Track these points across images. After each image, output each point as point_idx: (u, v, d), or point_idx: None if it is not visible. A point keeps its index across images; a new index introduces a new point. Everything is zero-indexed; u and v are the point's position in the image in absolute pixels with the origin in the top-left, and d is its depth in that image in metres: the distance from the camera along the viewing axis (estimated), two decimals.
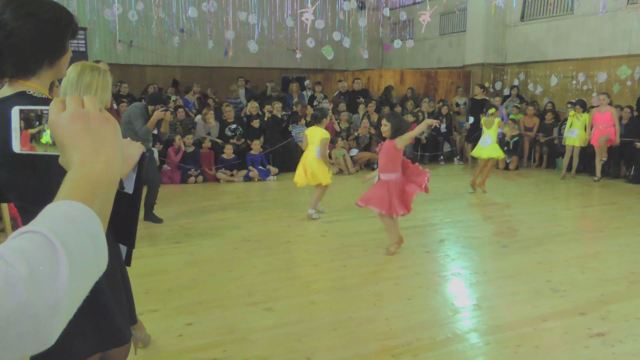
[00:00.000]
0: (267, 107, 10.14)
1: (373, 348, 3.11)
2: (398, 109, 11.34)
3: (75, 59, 1.75)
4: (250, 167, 9.06)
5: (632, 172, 9.11)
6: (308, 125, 10.02)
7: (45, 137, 0.81)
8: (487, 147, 7.90)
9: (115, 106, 9.23)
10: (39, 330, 0.58)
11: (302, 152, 8.77)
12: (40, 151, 0.82)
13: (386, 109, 11.07)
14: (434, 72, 13.30)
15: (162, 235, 5.54)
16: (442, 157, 11.30)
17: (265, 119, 9.93)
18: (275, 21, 12.35)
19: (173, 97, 10.83)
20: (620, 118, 9.15)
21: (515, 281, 4.24)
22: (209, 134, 9.59)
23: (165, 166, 8.60)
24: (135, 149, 1.62)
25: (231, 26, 11.11)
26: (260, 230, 5.77)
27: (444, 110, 11.31)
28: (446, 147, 11.45)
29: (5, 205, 4.34)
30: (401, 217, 4.80)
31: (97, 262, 0.68)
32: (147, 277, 4.19)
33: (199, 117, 10.07)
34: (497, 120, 7.99)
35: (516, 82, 12.29)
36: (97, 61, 5.94)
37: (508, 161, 10.36)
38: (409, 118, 10.57)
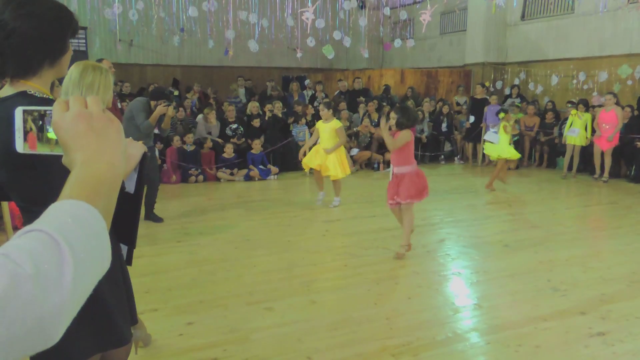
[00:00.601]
0: (268, 107, 10.14)
1: (373, 348, 3.11)
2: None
3: (75, 58, 1.75)
4: (251, 167, 9.06)
5: (632, 172, 9.11)
6: (308, 125, 10.05)
7: (49, 137, 0.82)
8: (499, 146, 8.00)
9: (119, 105, 9.23)
10: (43, 328, 0.58)
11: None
12: (43, 151, 0.82)
13: (386, 109, 11.06)
14: (434, 72, 13.30)
15: (163, 235, 5.54)
16: (442, 156, 11.30)
17: (267, 118, 9.93)
18: (276, 20, 12.35)
19: (176, 92, 10.81)
20: (622, 117, 9.13)
21: (516, 280, 4.25)
22: (209, 133, 9.59)
23: (164, 166, 8.60)
24: (136, 149, 1.62)
25: (231, 25, 11.11)
26: (261, 230, 5.77)
27: (445, 109, 11.31)
28: (447, 147, 11.45)
29: (5, 205, 4.35)
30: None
31: (101, 261, 0.68)
32: (148, 276, 4.20)
33: (200, 116, 10.07)
34: (502, 123, 8.03)
35: (517, 82, 12.29)
36: (100, 60, 5.94)
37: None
38: None
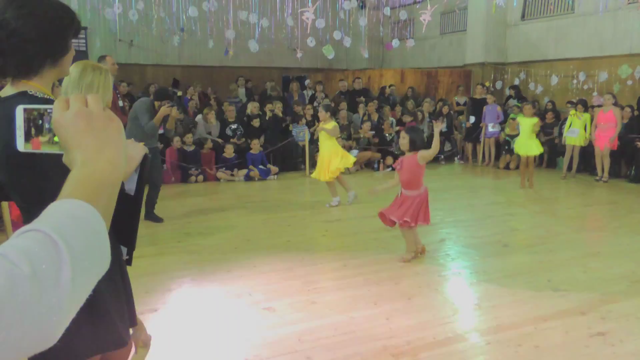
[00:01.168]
0: (269, 106, 10.14)
1: (373, 347, 3.11)
2: (398, 108, 11.33)
3: (75, 58, 1.75)
4: (251, 167, 9.06)
5: (632, 172, 9.10)
6: (308, 125, 10.04)
7: (49, 136, 0.82)
8: (521, 145, 8.21)
9: (121, 104, 9.22)
10: (41, 329, 0.58)
11: (302, 151, 8.82)
12: (44, 150, 0.82)
13: (386, 109, 11.07)
14: (434, 72, 13.29)
15: (163, 235, 5.54)
16: (442, 156, 11.30)
17: (267, 117, 9.93)
18: (276, 20, 12.34)
19: (179, 93, 10.79)
20: (621, 117, 9.13)
21: (516, 281, 4.24)
22: (209, 133, 9.59)
23: (164, 166, 8.60)
24: (137, 150, 1.62)
25: (232, 25, 11.11)
26: (261, 230, 5.77)
27: (445, 109, 11.31)
28: (447, 147, 11.45)
29: (5, 205, 4.35)
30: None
31: (100, 261, 0.68)
32: (148, 276, 4.20)
33: (199, 116, 10.07)
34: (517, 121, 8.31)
35: (517, 82, 12.29)
36: (104, 56, 5.92)
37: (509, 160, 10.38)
38: (406, 118, 10.59)
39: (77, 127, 0.76)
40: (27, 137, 0.82)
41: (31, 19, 1.44)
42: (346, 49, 13.70)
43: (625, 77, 9.97)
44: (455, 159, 11.38)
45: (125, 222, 1.75)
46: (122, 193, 1.64)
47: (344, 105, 11.04)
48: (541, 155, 10.69)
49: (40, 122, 0.81)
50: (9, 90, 1.55)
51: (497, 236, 5.58)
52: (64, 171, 0.77)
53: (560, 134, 9.87)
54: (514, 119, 10.74)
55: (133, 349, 2.17)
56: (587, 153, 9.37)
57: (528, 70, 12.22)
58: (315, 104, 11.46)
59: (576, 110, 9.18)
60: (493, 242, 5.37)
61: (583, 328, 3.38)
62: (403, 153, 4.75)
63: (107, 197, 0.74)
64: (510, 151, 10.37)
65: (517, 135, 10.49)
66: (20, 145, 0.82)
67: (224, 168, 9.02)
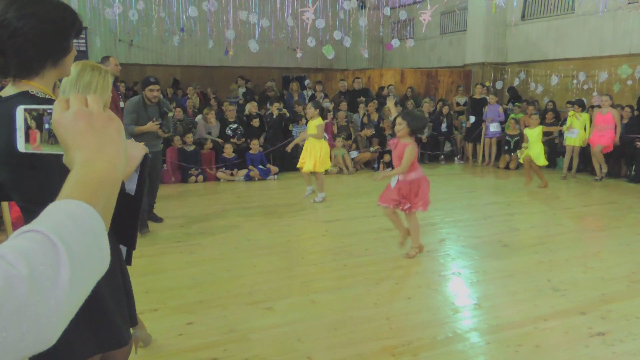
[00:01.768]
0: (276, 105, 10.13)
1: (373, 347, 3.11)
2: (398, 108, 11.32)
3: (75, 58, 1.74)
4: (251, 167, 9.06)
5: (632, 172, 9.10)
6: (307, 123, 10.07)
7: (50, 136, 0.82)
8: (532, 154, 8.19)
9: (122, 104, 9.22)
10: (39, 330, 0.57)
11: (302, 151, 8.79)
12: (44, 150, 0.82)
13: (386, 108, 11.05)
14: (434, 72, 13.30)
15: (163, 235, 5.54)
16: (442, 156, 11.30)
17: (274, 117, 9.92)
18: (276, 20, 12.35)
19: (170, 114, 10.26)
20: (621, 117, 9.14)
21: (516, 280, 4.25)
22: (209, 133, 9.59)
23: (165, 166, 8.61)
24: (137, 150, 1.62)
25: (231, 25, 11.11)
26: (261, 230, 5.77)
27: (445, 109, 11.31)
28: (447, 147, 11.45)
29: (5, 205, 4.35)
30: (402, 216, 4.79)
31: (100, 262, 0.67)
32: (148, 276, 4.20)
33: (199, 116, 10.07)
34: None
35: (517, 82, 12.29)
36: (107, 57, 5.89)
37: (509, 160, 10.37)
38: None
39: (77, 128, 0.76)
40: (27, 137, 0.82)
41: (33, 19, 1.44)
42: (346, 49, 13.71)
43: (625, 77, 9.96)
44: (455, 159, 11.38)
45: (126, 221, 1.75)
46: (122, 193, 1.64)
47: (344, 105, 11.04)
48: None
49: (41, 122, 0.81)
50: (10, 90, 1.55)
51: (497, 236, 5.58)
52: (64, 171, 0.76)
53: (560, 134, 9.87)
54: (514, 119, 10.76)
55: (133, 349, 2.17)
56: (587, 153, 9.37)
57: (528, 70, 12.22)
58: None
59: (574, 110, 9.18)
60: (493, 242, 5.37)
61: (583, 328, 3.38)
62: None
63: (107, 197, 0.74)
64: (510, 151, 10.38)
65: (518, 135, 10.53)
66: (21, 145, 0.82)
67: (224, 168, 9.02)
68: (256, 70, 15.08)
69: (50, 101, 1.51)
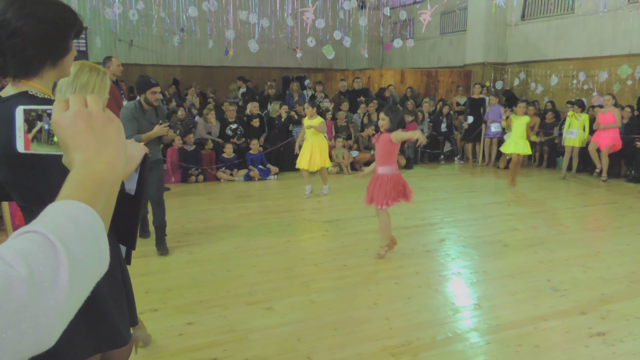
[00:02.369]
0: (285, 107, 10.13)
1: (373, 347, 3.11)
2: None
3: (75, 58, 1.74)
4: (251, 167, 9.06)
5: (632, 172, 9.10)
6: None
7: (49, 137, 0.82)
8: (510, 143, 8.29)
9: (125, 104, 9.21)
10: (38, 331, 0.57)
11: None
12: (43, 151, 0.82)
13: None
14: (434, 72, 13.30)
15: None
16: (442, 156, 11.30)
17: (283, 119, 9.91)
18: (276, 20, 12.35)
19: (180, 112, 10.07)
20: (621, 117, 9.14)
21: (516, 280, 4.25)
22: (209, 133, 9.59)
23: (165, 166, 8.61)
24: (137, 150, 1.62)
25: (231, 25, 11.11)
26: (261, 230, 5.77)
27: (445, 109, 11.31)
28: (447, 147, 11.45)
29: (5, 205, 4.35)
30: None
31: (99, 263, 0.67)
32: (148, 276, 4.20)
33: (197, 117, 10.06)
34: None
35: (516, 82, 12.29)
36: (109, 57, 5.85)
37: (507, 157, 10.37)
38: (407, 118, 10.58)
39: (77, 128, 0.76)
40: (27, 137, 0.81)
41: (32, 19, 1.44)
42: (346, 49, 13.73)
43: (625, 77, 9.96)
44: (455, 159, 11.38)
45: (126, 221, 1.75)
46: (122, 193, 1.64)
47: (345, 105, 11.04)
48: (541, 156, 10.72)
49: (41, 122, 0.81)
50: (9, 90, 1.55)
51: (497, 236, 5.59)
52: (64, 172, 0.76)
53: (560, 134, 9.87)
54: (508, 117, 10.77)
55: (133, 349, 2.17)
56: (586, 153, 9.37)
57: (528, 70, 12.22)
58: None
59: (573, 110, 9.18)
60: (493, 242, 5.37)
61: (583, 328, 3.38)
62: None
63: (107, 197, 0.74)
64: None
65: None
66: (20, 145, 0.82)
67: (224, 168, 9.02)
68: (256, 71, 15.08)
69: (49, 101, 1.51)
